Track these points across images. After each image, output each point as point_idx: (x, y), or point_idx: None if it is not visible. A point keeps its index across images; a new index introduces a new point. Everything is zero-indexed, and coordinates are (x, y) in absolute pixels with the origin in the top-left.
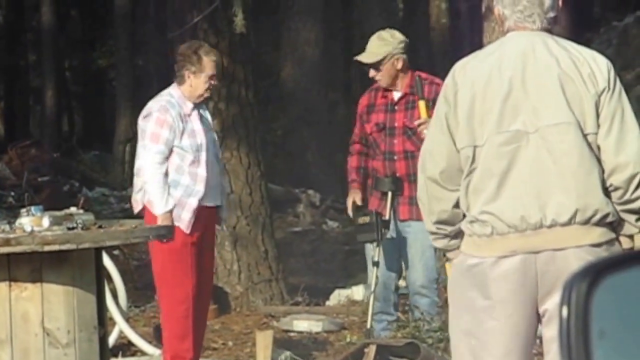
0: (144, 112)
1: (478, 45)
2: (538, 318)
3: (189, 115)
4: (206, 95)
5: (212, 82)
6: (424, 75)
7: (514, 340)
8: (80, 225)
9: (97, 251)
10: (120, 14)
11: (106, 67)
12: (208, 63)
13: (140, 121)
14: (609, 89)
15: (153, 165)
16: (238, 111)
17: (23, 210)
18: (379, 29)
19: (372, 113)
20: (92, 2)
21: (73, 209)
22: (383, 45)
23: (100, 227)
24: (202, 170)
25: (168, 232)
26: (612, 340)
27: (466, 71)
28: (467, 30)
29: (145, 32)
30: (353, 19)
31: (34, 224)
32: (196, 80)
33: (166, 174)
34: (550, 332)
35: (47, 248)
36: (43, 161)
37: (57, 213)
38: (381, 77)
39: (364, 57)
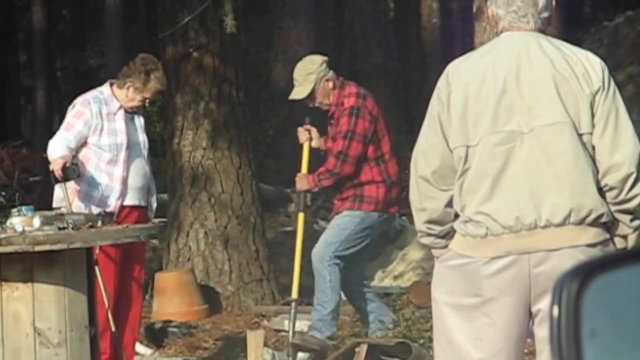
0: (72, 104)
1: (469, 45)
2: (530, 318)
3: (115, 114)
4: (137, 107)
5: (146, 102)
6: (347, 91)
7: (504, 339)
8: (71, 225)
9: (88, 251)
10: (111, 14)
11: (97, 67)
12: (152, 89)
13: (67, 114)
14: (603, 88)
15: (57, 138)
16: (229, 111)
17: (14, 210)
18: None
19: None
20: (83, 2)
21: (64, 209)
22: (308, 75)
23: (91, 226)
24: (119, 170)
25: (159, 231)
26: (603, 340)
27: (460, 72)
28: (458, 30)
29: (136, 32)
30: (344, 19)
31: (25, 224)
32: (134, 95)
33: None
34: (543, 332)
35: (38, 248)
36: (34, 161)
37: (48, 213)
38: (319, 104)
39: (297, 95)
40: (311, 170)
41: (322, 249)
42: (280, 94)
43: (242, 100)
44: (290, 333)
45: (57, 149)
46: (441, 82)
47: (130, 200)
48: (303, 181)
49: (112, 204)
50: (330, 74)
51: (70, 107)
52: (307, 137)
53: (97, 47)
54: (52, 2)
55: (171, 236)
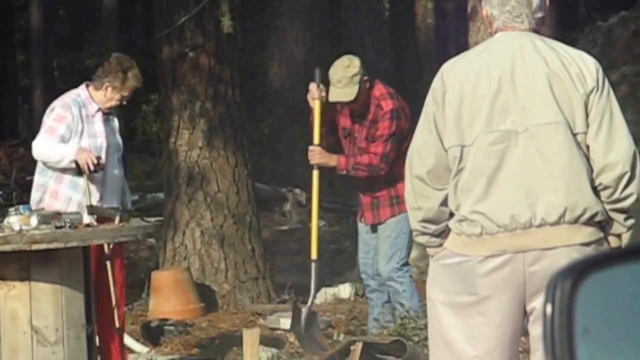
0: (49, 108)
1: (463, 44)
2: (524, 316)
3: (93, 116)
4: (114, 106)
5: (124, 100)
6: (377, 92)
7: (499, 336)
8: (68, 224)
9: (85, 250)
10: (108, 14)
11: (94, 67)
12: (131, 87)
13: (45, 117)
14: (597, 88)
15: (41, 142)
16: (225, 111)
17: (11, 209)
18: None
19: (342, 114)
20: (80, 2)
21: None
22: (353, 77)
23: (87, 225)
24: (99, 172)
25: (155, 230)
26: (596, 338)
27: (454, 71)
28: (453, 29)
29: (133, 32)
30: (340, 19)
31: (22, 223)
32: (112, 95)
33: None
34: (537, 330)
35: (35, 247)
36: (31, 160)
37: (45, 212)
38: (357, 106)
39: (345, 97)
40: (322, 138)
41: (386, 265)
42: (276, 93)
43: (238, 100)
44: (312, 294)
45: (59, 148)
46: (436, 82)
47: (108, 202)
48: (324, 157)
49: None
50: (366, 75)
51: (48, 110)
52: (320, 95)
53: (94, 47)
54: (50, 2)
55: (167, 235)
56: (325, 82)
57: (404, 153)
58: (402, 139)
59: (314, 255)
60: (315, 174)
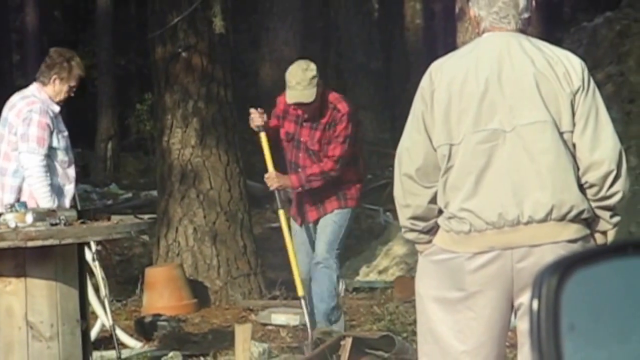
0: (22, 113)
1: (451, 45)
2: (512, 311)
3: (57, 117)
4: (66, 96)
5: (72, 91)
6: (331, 97)
7: (487, 332)
8: (62, 221)
9: (80, 246)
10: (102, 15)
11: (88, 67)
12: (76, 75)
13: (14, 119)
14: (583, 88)
15: (42, 169)
16: (217, 110)
17: (7, 207)
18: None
19: (285, 120)
20: (75, 3)
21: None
22: (312, 79)
23: (82, 222)
24: (71, 171)
25: (148, 227)
26: (582, 333)
27: (443, 71)
28: (441, 30)
29: (127, 32)
30: (330, 19)
31: (17, 220)
32: (61, 86)
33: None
34: (524, 325)
35: (30, 243)
36: None
37: (41, 209)
38: (315, 109)
39: (306, 98)
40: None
41: (327, 249)
42: (267, 93)
43: (230, 99)
44: (309, 327)
45: (49, 195)
46: (424, 82)
47: (73, 200)
48: (280, 180)
49: (66, 206)
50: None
51: (23, 118)
52: (263, 122)
53: (89, 48)
54: (45, 3)
55: (161, 232)
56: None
57: (350, 158)
58: (353, 141)
59: (300, 292)
60: (282, 213)
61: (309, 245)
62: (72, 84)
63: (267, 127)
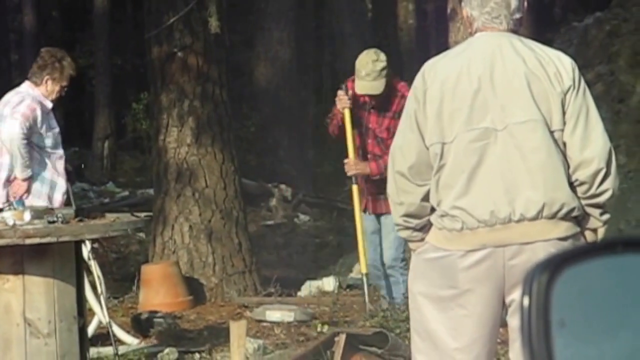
0: (13, 101)
1: (444, 44)
2: (503, 308)
3: (49, 113)
4: (58, 95)
5: (64, 91)
6: (399, 85)
7: (479, 328)
8: (60, 219)
9: (77, 244)
10: (99, 15)
11: (86, 67)
12: (68, 75)
13: (4, 109)
14: (574, 87)
15: (21, 136)
16: (212, 109)
17: (5, 205)
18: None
19: (354, 105)
20: (72, 3)
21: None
22: (382, 70)
23: (79, 220)
24: (61, 166)
25: (145, 225)
26: (572, 329)
27: (436, 70)
28: (433, 30)
29: (123, 32)
30: (324, 19)
31: (16, 218)
32: (53, 86)
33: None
34: (516, 321)
35: (28, 241)
36: None
37: (39, 207)
38: (381, 97)
39: (375, 90)
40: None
41: (394, 254)
42: (262, 92)
43: (225, 99)
44: (367, 300)
45: (24, 162)
46: (417, 81)
47: (65, 195)
48: (359, 166)
49: (59, 199)
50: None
51: (14, 105)
52: (348, 103)
53: (86, 47)
54: (43, 3)
55: (157, 230)
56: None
57: None
58: None
59: (363, 269)
60: (355, 188)
61: (378, 236)
62: (64, 83)
63: (352, 108)
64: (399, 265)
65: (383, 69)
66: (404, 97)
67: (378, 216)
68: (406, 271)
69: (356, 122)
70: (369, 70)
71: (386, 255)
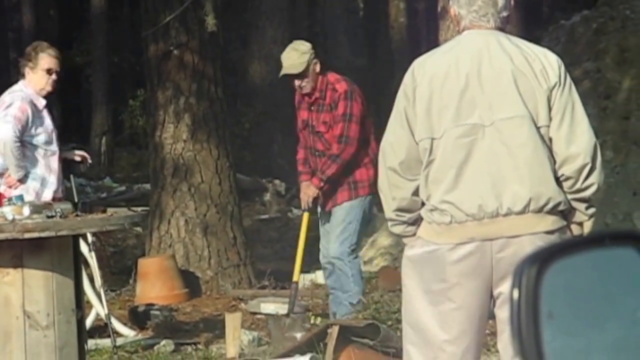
0: (4, 103)
1: (434, 42)
2: (491, 300)
3: (41, 110)
4: (49, 89)
5: (52, 77)
6: (331, 78)
7: (468, 321)
8: (58, 214)
9: (75, 238)
10: (97, 14)
11: (83, 65)
12: (43, 58)
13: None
14: (559, 83)
15: (14, 139)
16: (208, 106)
17: (5, 200)
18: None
19: (300, 109)
20: (70, 2)
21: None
22: (302, 55)
23: (77, 215)
24: (54, 163)
25: (141, 219)
26: (560, 321)
27: (425, 68)
28: (424, 28)
29: (120, 31)
30: (316, 18)
31: (15, 213)
32: (34, 75)
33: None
34: (504, 313)
35: (27, 235)
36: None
37: (37, 202)
38: (306, 84)
39: (291, 70)
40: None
41: (338, 248)
42: (256, 89)
43: (221, 96)
44: (290, 309)
45: (16, 162)
46: (407, 78)
47: (58, 192)
48: (309, 191)
49: (48, 197)
50: (317, 59)
51: (6, 106)
52: (308, 206)
53: (83, 46)
54: (41, 3)
55: (153, 224)
56: None
57: (362, 139)
58: (360, 120)
59: (295, 277)
60: (306, 215)
61: (327, 230)
62: (45, 66)
63: (314, 210)
64: (347, 260)
65: (303, 53)
66: (334, 89)
67: (329, 212)
68: (355, 265)
69: (303, 123)
70: (288, 55)
71: (331, 248)
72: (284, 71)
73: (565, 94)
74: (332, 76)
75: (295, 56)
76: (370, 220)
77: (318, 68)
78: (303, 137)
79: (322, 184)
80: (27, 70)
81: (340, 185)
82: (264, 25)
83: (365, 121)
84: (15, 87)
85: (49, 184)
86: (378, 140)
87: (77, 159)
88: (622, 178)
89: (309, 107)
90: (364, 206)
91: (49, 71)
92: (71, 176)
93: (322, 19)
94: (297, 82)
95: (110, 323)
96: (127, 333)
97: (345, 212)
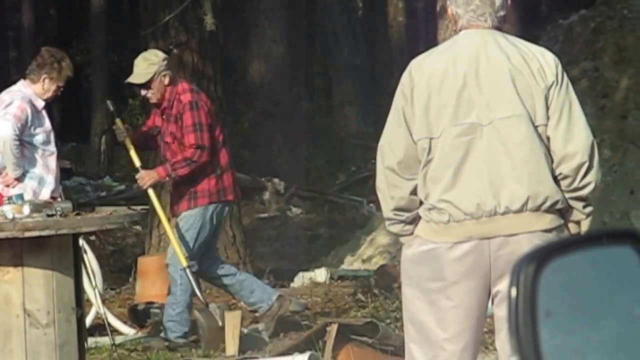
0: (4, 103)
1: (433, 41)
2: (489, 299)
3: (40, 111)
4: (52, 98)
5: (59, 91)
6: (180, 88)
7: (467, 319)
8: (58, 213)
9: (75, 237)
10: (96, 13)
11: (83, 64)
12: (65, 77)
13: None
14: (557, 82)
15: (13, 137)
16: None
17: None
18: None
19: (156, 116)
20: (70, 1)
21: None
22: (149, 65)
23: (77, 214)
24: (52, 163)
25: (141, 218)
26: (557, 319)
27: (422, 67)
28: (423, 27)
29: (120, 30)
30: (315, 17)
31: (15, 212)
32: (50, 86)
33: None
34: (502, 311)
35: (27, 234)
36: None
37: (37, 201)
38: (151, 95)
39: (136, 79)
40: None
41: (173, 256)
42: (255, 88)
43: (220, 95)
44: (200, 295)
45: (15, 161)
46: (404, 78)
47: (57, 192)
48: (150, 175)
49: (46, 196)
50: (169, 71)
51: (5, 105)
52: (125, 134)
53: (83, 45)
54: (41, 2)
55: (153, 222)
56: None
57: (212, 148)
58: (209, 129)
59: (184, 263)
60: (151, 192)
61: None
62: (61, 84)
63: (130, 132)
64: (178, 267)
65: (152, 64)
66: (180, 101)
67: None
68: (184, 275)
69: (154, 130)
70: (138, 62)
71: (169, 254)
72: (129, 79)
73: (562, 93)
74: (181, 87)
75: (143, 66)
76: (216, 228)
77: (167, 80)
78: (157, 144)
79: (167, 179)
80: (44, 77)
81: (182, 195)
82: (263, 25)
83: (213, 130)
84: (14, 87)
85: (47, 183)
86: (230, 148)
87: (68, 166)
88: (619, 177)
89: (161, 115)
90: (204, 215)
91: (61, 86)
92: None
93: (321, 18)
94: (142, 92)
95: (108, 322)
96: (127, 331)
97: (183, 222)
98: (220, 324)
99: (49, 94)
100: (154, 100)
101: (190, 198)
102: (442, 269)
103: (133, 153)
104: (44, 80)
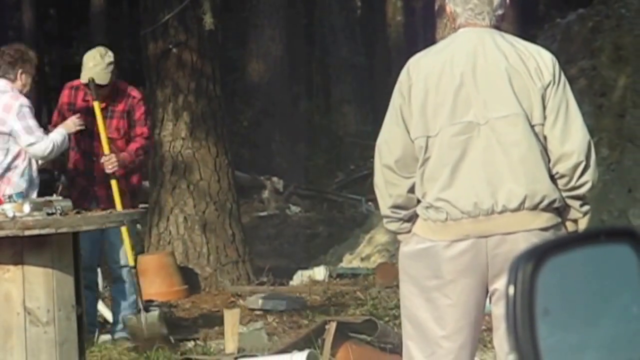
0: (13, 108)
1: (431, 40)
2: (486, 297)
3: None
4: (28, 91)
5: (34, 82)
6: (121, 85)
7: (464, 317)
8: (59, 211)
9: (75, 235)
10: (96, 13)
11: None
12: (35, 64)
13: (6, 115)
14: (554, 82)
15: (48, 143)
16: (206, 104)
17: (5, 197)
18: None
19: (72, 112)
20: (70, 1)
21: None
22: (109, 65)
23: (77, 212)
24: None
25: (141, 216)
26: (555, 317)
27: (420, 66)
28: (421, 26)
29: (120, 29)
30: (314, 16)
31: (15, 210)
32: (27, 79)
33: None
34: (499, 310)
35: (27, 232)
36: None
37: (38, 200)
38: (107, 93)
39: (103, 80)
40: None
41: (121, 257)
42: (254, 87)
43: (219, 94)
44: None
45: (59, 134)
46: (402, 76)
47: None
48: (119, 157)
49: (35, 196)
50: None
51: (16, 113)
52: (80, 123)
53: (83, 44)
54: (41, 1)
55: (152, 221)
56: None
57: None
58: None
59: (131, 262)
60: (114, 182)
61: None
62: (34, 74)
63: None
64: (127, 270)
65: (110, 63)
66: (132, 97)
67: None
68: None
69: (87, 128)
70: (97, 62)
71: (122, 257)
72: (93, 76)
73: (559, 92)
74: (123, 84)
75: (103, 65)
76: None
77: (114, 77)
78: (76, 140)
79: (131, 164)
80: (20, 72)
81: (121, 192)
82: (262, 24)
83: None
84: (2, 87)
85: (36, 185)
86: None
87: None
88: (617, 175)
89: (89, 112)
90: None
91: (34, 77)
92: None
93: (320, 18)
94: (100, 92)
95: (106, 318)
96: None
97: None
98: (145, 332)
99: (27, 88)
100: (102, 99)
101: (127, 197)
102: (439, 267)
103: (102, 128)
104: (21, 76)
